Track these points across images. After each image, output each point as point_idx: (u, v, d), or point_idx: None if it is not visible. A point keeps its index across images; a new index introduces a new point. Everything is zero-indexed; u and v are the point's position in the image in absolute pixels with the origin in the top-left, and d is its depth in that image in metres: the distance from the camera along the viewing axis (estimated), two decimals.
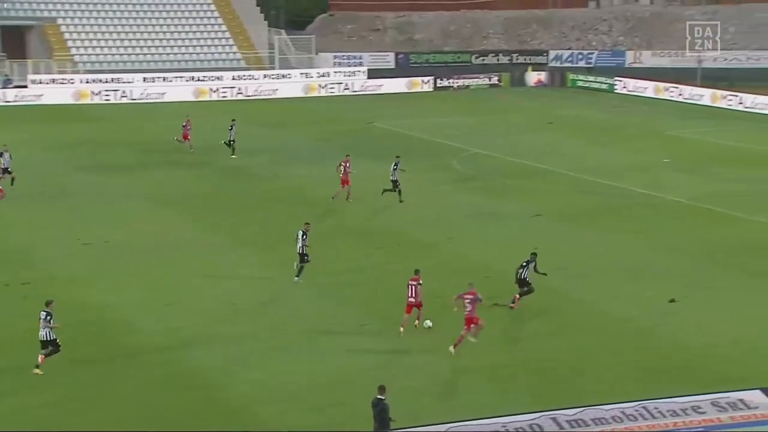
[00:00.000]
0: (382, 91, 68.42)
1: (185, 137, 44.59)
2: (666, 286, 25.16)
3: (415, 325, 22.32)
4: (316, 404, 18.94)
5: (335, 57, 73.29)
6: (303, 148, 46.50)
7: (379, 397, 16.44)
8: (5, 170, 35.59)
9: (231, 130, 43.03)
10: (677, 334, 22.06)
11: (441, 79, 71.07)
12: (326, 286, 25.82)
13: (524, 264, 24.08)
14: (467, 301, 21.25)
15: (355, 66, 72.16)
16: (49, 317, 19.98)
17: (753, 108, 56.29)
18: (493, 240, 30.25)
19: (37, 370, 19.94)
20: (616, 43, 74.90)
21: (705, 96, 60.45)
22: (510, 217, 33.06)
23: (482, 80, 71.92)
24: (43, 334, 20.00)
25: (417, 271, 22.66)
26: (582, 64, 73.16)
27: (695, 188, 36.89)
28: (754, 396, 16.89)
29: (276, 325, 23.03)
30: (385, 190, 34.71)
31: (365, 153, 45.46)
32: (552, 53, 74.41)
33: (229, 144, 42.96)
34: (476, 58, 75.20)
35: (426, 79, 70.75)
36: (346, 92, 68.41)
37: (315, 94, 67.66)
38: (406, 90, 69.59)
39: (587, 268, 26.93)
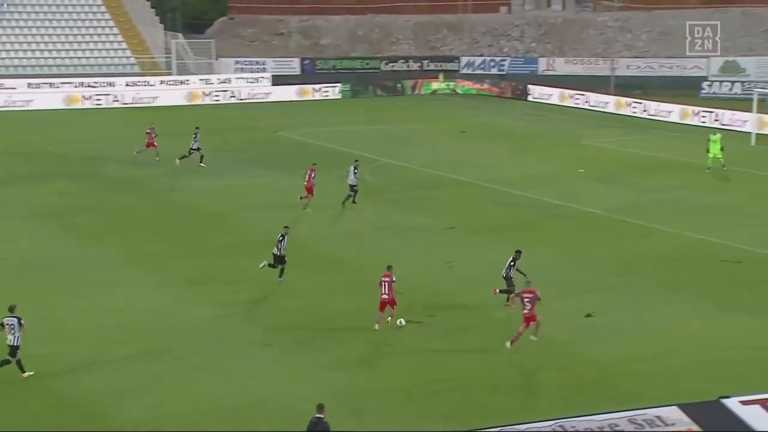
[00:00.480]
0: (286, 98, 68.32)
1: (150, 145, 44.41)
2: (582, 300, 25.68)
3: (387, 322, 23.58)
4: (221, 429, 18.73)
5: (237, 62, 72.86)
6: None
7: (318, 416, 16.43)
8: None
9: (195, 138, 43.36)
10: (594, 349, 22.54)
11: (350, 85, 71.44)
12: (227, 304, 25.60)
13: (511, 263, 25.31)
14: (526, 299, 22.37)
15: (258, 72, 71.89)
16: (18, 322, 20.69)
17: (657, 115, 58.13)
18: (405, 254, 30.39)
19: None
20: (528, 50, 76.41)
21: (610, 103, 62.06)
22: (422, 231, 33.31)
23: (394, 86, 72.56)
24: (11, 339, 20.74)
25: (389, 268, 23.80)
26: (494, 71, 74.37)
27: (610, 199, 37.82)
28: (672, 412, 17.31)
29: (171, 347, 22.70)
30: (348, 199, 35.70)
31: (271, 164, 45.30)
32: (464, 59, 75.46)
33: (190, 152, 43.17)
34: (386, 64, 75.73)
35: (333, 85, 71.08)
36: (249, 99, 68.09)
37: (213, 100, 67.17)
38: (312, 97, 69.68)
39: (502, 283, 27.26)
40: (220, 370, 21.47)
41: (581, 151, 48.64)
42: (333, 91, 71.15)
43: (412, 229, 33.48)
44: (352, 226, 34.12)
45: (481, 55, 76.18)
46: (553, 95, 66.69)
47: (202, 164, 43.08)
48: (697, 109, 56.79)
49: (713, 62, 67.22)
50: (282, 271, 27.02)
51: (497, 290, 25.47)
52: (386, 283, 23.47)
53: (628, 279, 27.61)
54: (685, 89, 64.96)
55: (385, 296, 23.47)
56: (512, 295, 23.34)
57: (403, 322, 23.74)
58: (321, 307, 25.45)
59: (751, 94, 53.80)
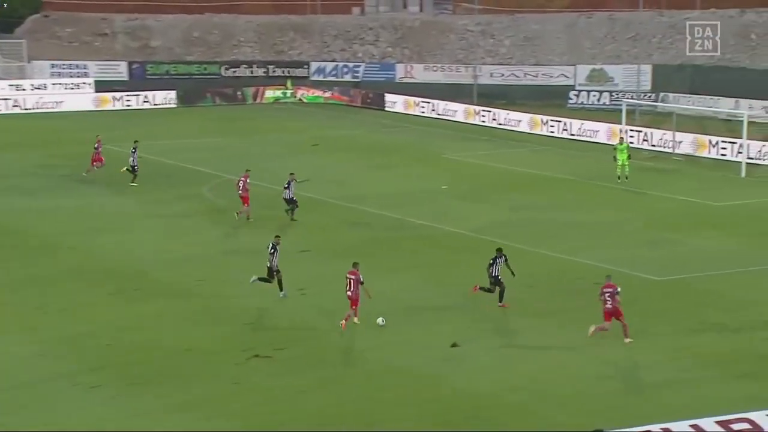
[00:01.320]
0: (109, 107, 67.10)
1: (97, 160, 44.07)
2: (447, 328, 26.10)
3: (355, 321, 25.68)
4: None
5: (53, 66, 71.06)
6: (17, 177, 44.64)
7: None
8: None
9: (134, 153, 43.40)
10: (462, 381, 22.90)
11: (185, 93, 70.75)
12: (47, 341, 24.89)
13: (492, 261, 27.35)
14: (607, 294, 24.60)
15: (79, 77, 70.24)
16: None
17: (522, 128, 59.84)
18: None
19: None
20: (384, 55, 77.42)
21: (473, 113, 63.49)
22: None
23: (234, 94, 72.23)
24: None
25: (355, 264, 25.89)
26: (348, 77, 75.02)
27: (477, 218, 38.63)
28: None
29: None
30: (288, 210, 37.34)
31: (97, 180, 44.34)
32: (314, 65, 75.81)
33: (132, 170, 43.31)
34: (226, 69, 75.32)
35: (167, 92, 70.23)
36: (68, 108, 66.40)
37: (23, 110, 65.24)
38: (140, 106, 68.64)
39: (362, 311, 27.47)
40: (41, 418, 20.78)
41: (444, 166, 49.55)
42: (166, 99, 70.27)
43: (260, 253, 33.25)
44: (195, 249, 33.71)
45: (333, 61, 76.71)
46: (412, 104, 67.77)
47: (133, 183, 43.15)
48: (563, 120, 58.69)
49: (580, 70, 69.77)
50: (280, 284, 28.09)
51: (477, 287, 27.51)
52: (351, 281, 25.49)
53: (493, 305, 28.16)
54: (551, 99, 67.13)
55: (349, 293, 25.49)
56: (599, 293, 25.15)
57: (383, 321, 25.87)
58: (157, 342, 25.02)
59: (620, 105, 56.06)
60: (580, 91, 68.28)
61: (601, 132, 55.81)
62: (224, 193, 42.72)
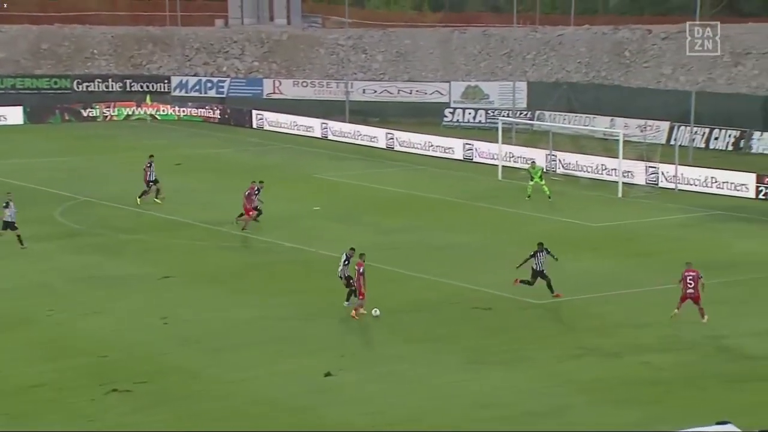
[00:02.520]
0: None
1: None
2: (319, 358, 26.13)
3: (353, 315, 28.76)
4: None
5: None
6: None
7: None
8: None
9: (149, 168, 44.04)
10: (335, 414, 22.97)
11: (35, 110, 69.36)
12: None
13: (532, 254, 30.60)
14: (689, 278, 28.24)
15: None
16: None
17: (397, 146, 60.52)
18: (110, 310, 29.84)
19: None
20: (250, 70, 77.27)
21: (346, 132, 63.90)
22: (132, 281, 32.85)
23: (89, 111, 71.04)
24: None
25: (362, 256, 29.38)
26: (213, 93, 74.58)
27: (350, 241, 38.81)
28: None
29: None
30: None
31: None
32: (175, 80, 75.12)
33: (154, 183, 44.14)
34: (79, 84, 74.01)
35: (12, 108, 68.70)
36: None
37: None
38: None
39: (226, 341, 27.37)
40: None
41: (315, 187, 49.72)
42: (12, 116, 68.70)
43: (119, 280, 32.84)
44: (46, 276, 33.02)
45: (195, 75, 76.16)
46: (281, 122, 67.76)
47: (157, 199, 43.96)
48: (439, 139, 59.58)
49: (455, 87, 70.96)
50: (349, 295, 29.87)
51: (519, 280, 30.52)
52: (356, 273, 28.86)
53: (369, 331, 28.42)
54: (426, 116, 68.07)
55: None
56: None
57: (378, 313, 28.56)
58: (1, 379, 24.41)
59: (496, 123, 57.21)
60: (455, 108, 69.40)
61: (479, 150, 56.73)
62: (78, 216, 41.98)
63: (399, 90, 72.02)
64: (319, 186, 50.00)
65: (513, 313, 30.23)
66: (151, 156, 45.23)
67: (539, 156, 52.23)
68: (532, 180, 46.60)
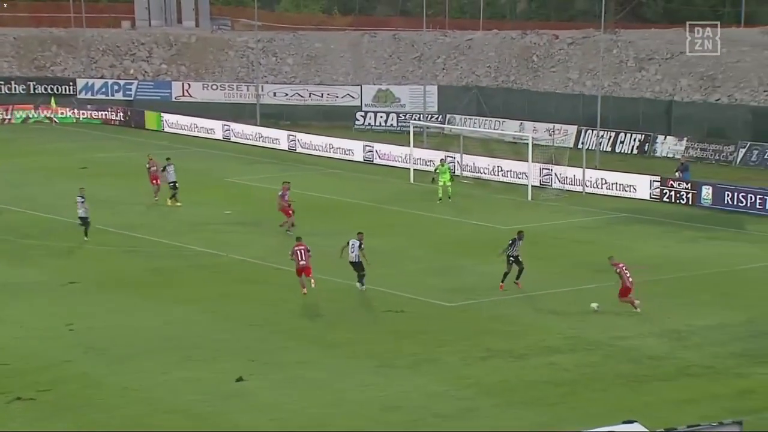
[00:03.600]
0: None
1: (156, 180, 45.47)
2: (231, 363, 26.13)
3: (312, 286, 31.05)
4: None
5: None
6: None
7: None
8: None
9: (167, 169, 44.90)
10: (245, 418, 22.98)
11: None
12: None
13: (511, 243, 32.66)
14: (625, 267, 30.11)
15: None
16: None
17: (308, 150, 60.58)
18: (11, 318, 29.48)
19: None
20: (158, 72, 76.61)
21: (257, 135, 63.69)
22: (34, 288, 32.56)
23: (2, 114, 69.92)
24: None
25: (299, 239, 32.32)
26: (120, 96, 73.78)
27: (262, 245, 38.88)
28: None
29: None
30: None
31: None
32: (80, 82, 74.16)
33: (174, 187, 44.73)
34: None
35: None
36: None
37: None
38: None
39: (133, 348, 27.19)
40: None
41: (227, 191, 49.52)
42: None
43: (22, 286, 32.42)
44: None
45: (101, 77, 75.27)
46: (190, 125, 67.30)
47: (179, 203, 44.77)
48: (354, 143, 59.72)
49: (366, 90, 71.26)
50: (362, 278, 32.21)
51: (502, 286, 32.46)
52: (301, 251, 31.26)
53: (280, 337, 28.43)
54: (338, 120, 68.26)
55: (302, 262, 31.21)
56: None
57: (598, 307, 30.31)
58: None
59: (408, 126, 57.62)
60: (366, 112, 69.68)
61: (391, 154, 57.04)
62: None
63: (310, 93, 72.08)
64: (231, 190, 49.82)
65: (424, 317, 30.53)
66: (168, 159, 46.22)
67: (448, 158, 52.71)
68: (435, 182, 47.08)
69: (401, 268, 35.75)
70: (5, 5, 65.11)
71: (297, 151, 60.53)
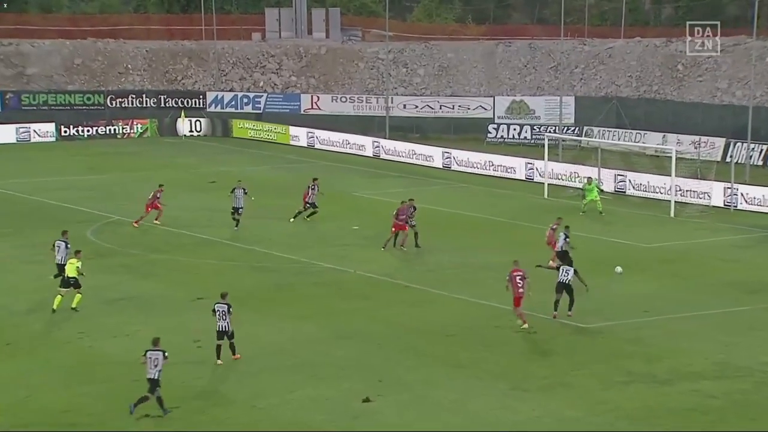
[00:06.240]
0: None
1: (155, 207, 43.84)
2: (355, 382, 26.16)
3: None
4: None
5: None
6: None
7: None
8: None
9: (235, 192, 43.78)
10: None
11: (67, 127, 70.27)
12: None
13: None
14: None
15: None
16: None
17: (438, 163, 60.50)
18: (141, 334, 30.00)
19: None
20: (288, 85, 77.70)
21: (387, 148, 63.97)
22: (163, 302, 33.10)
23: (123, 128, 71.84)
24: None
25: (515, 262, 30.91)
26: (249, 109, 75.08)
27: (388, 260, 38.93)
28: None
29: None
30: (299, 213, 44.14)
31: None
32: (210, 95, 75.74)
33: (235, 212, 43.73)
34: (112, 99, 74.78)
35: (45, 124, 69.59)
36: None
37: None
38: (15, 140, 68.02)
39: (259, 365, 27.43)
40: None
41: (355, 205, 49.80)
42: (44, 132, 69.60)
43: (151, 301, 33.06)
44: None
45: (231, 90, 76.73)
46: (320, 138, 68.01)
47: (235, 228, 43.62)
48: (485, 156, 59.44)
49: (499, 102, 70.91)
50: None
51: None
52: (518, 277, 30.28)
53: (409, 356, 28.32)
54: (469, 132, 68.12)
55: (521, 290, 30.08)
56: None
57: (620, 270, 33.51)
58: (34, 401, 24.55)
59: (542, 139, 57.06)
60: (499, 124, 69.35)
61: (520, 168, 56.62)
62: (110, 235, 42.35)
63: (441, 105, 72.13)
64: (358, 204, 50.08)
65: (557, 337, 30.07)
66: (240, 181, 45.29)
67: (593, 174, 52.12)
68: (584, 199, 47.01)
69: (533, 287, 35.22)
70: (5, 5, 66.75)
71: (432, 165, 60.44)
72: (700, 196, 49.12)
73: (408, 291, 34.88)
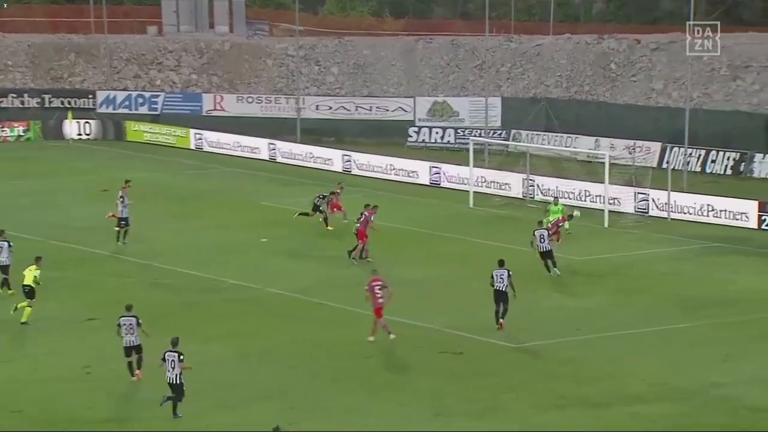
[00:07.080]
0: None
1: (337, 207, 47.00)
2: (265, 409, 26.20)
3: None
4: None
5: None
6: None
7: None
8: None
9: (326, 197, 46.60)
10: None
11: None
12: None
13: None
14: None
15: None
16: None
17: (355, 169, 60.71)
18: (27, 357, 29.77)
19: None
20: (188, 83, 77.33)
21: (297, 153, 64.07)
22: (53, 322, 32.87)
23: (1, 131, 70.86)
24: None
25: (375, 271, 32.42)
26: (144, 110, 74.51)
27: (302, 276, 38.96)
28: None
29: None
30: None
31: None
32: (101, 95, 75.03)
33: (315, 211, 46.44)
34: None
35: None
36: None
37: None
38: None
39: (159, 390, 27.24)
40: None
41: (263, 215, 49.70)
42: None
43: (35, 322, 32.73)
44: None
45: (125, 89, 76.13)
46: (224, 142, 67.77)
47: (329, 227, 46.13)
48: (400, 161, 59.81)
49: (420, 103, 71.34)
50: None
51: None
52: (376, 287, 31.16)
53: (325, 381, 28.44)
54: (388, 136, 68.31)
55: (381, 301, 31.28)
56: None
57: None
58: None
59: (467, 143, 57.51)
60: (420, 127, 69.75)
61: (447, 174, 56.93)
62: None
63: (357, 106, 72.28)
64: (267, 214, 49.94)
65: (486, 358, 30.40)
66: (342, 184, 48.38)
67: (515, 180, 52.65)
68: (547, 216, 46.24)
69: (457, 303, 35.60)
70: (5, 5, 66.04)
71: (351, 172, 60.62)
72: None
73: (323, 309, 34.97)
